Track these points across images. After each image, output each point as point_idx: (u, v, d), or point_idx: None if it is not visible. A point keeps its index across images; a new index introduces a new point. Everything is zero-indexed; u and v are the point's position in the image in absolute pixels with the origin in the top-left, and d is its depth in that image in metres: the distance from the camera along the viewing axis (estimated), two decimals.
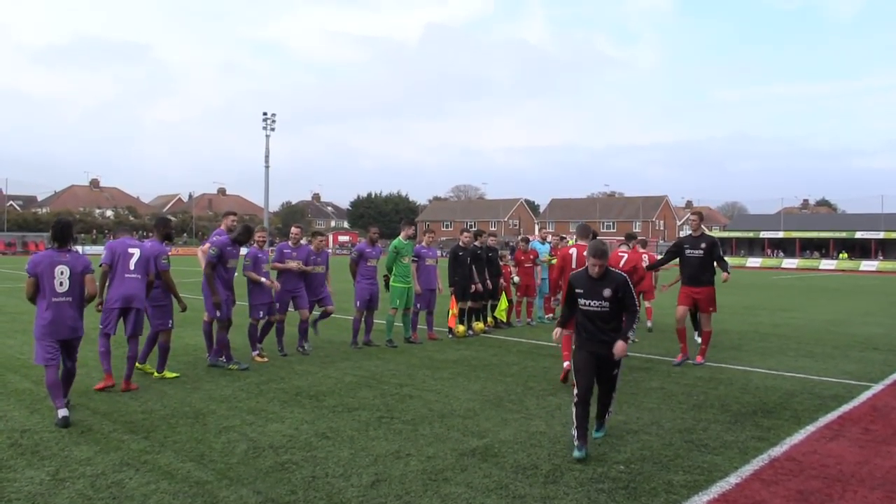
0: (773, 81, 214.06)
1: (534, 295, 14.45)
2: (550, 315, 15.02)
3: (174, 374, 8.43)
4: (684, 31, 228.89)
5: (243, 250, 9.45)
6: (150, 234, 8.56)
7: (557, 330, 6.35)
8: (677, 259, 10.22)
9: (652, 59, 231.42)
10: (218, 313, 8.81)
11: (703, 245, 9.85)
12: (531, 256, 14.28)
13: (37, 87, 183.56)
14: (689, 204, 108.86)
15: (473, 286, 12.43)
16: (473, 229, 13.34)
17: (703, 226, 10.17)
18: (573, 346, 6.25)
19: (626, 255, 11.54)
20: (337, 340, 11.38)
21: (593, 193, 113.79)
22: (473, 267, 12.48)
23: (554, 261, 14.48)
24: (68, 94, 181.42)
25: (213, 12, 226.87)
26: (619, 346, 5.77)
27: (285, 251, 10.16)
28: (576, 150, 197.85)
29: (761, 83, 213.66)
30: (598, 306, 5.91)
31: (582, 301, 5.98)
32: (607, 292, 5.87)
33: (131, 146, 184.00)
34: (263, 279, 9.50)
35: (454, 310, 12.29)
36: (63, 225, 6.64)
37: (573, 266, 9.16)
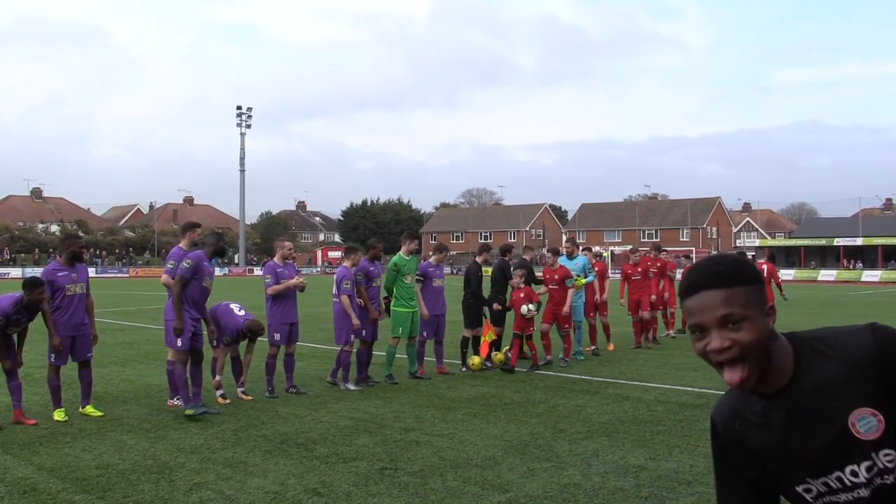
0: (845, 60, 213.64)
1: (567, 325, 12.89)
2: (594, 348, 14.38)
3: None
4: (736, 2, 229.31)
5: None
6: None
7: None
8: None
9: (700, 36, 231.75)
10: (179, 342, 8.77)
11: None
12: (556, 276, 12.88)
13: None
14: (746, 207, 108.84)
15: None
16: (483, 242, 13.45)
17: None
18: None
19: (765, 267, 10.93)
20: (327, 377, 11.34)
21: (632, 196, 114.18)
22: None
23: (584, 281, 13.59)
24: (5, 87, 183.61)
25: None
26: None
27: (279, 270, 10.31)
28: (612, 145, 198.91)
29: (832, 62, 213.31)
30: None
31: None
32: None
33: (81, 148, 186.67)
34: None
35: (486, 337, 12.49)
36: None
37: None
